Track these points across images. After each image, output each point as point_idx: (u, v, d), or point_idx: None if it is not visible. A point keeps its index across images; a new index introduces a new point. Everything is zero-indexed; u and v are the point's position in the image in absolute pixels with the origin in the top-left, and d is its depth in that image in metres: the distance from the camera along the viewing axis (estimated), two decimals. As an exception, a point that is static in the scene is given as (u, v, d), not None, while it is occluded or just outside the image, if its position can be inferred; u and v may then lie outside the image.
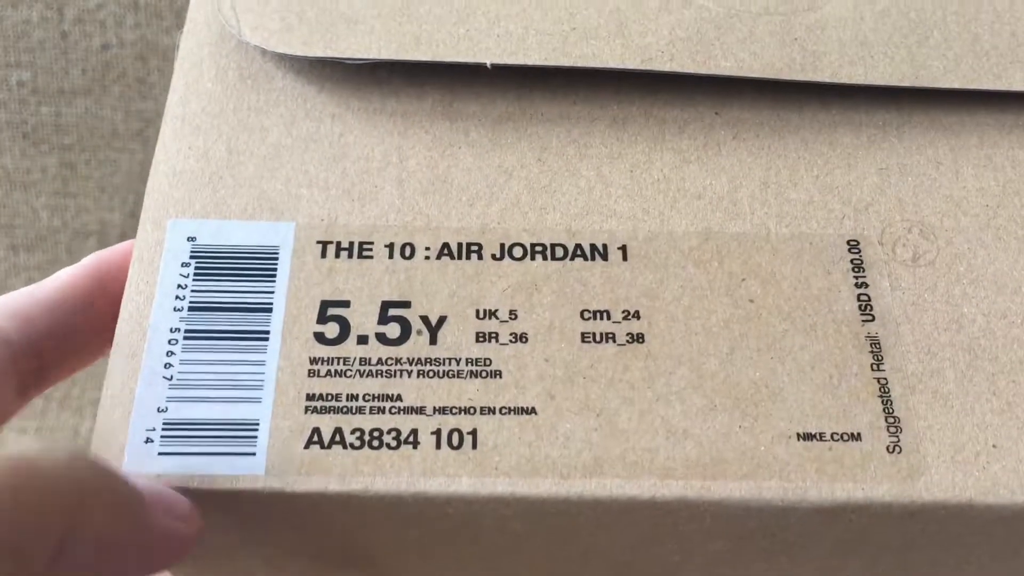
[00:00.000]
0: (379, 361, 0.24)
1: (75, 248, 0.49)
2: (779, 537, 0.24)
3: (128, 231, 0.48)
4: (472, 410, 0.24)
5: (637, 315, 0.25)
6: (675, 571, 0.27)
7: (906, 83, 0.27)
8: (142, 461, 0.23)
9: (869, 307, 0.25)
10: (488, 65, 0.27)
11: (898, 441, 0.24)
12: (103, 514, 0.19)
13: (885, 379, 0.24)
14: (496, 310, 0.25)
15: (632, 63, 0.27)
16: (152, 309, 0.24)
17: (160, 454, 0.23)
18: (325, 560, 0.27)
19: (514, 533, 0.25)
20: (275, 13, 0.28)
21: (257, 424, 0.23)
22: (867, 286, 0.25)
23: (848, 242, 0.26)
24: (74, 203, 0.47)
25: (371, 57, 0.27)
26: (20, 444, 0.19)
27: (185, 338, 0.24)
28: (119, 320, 0.24)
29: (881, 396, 0.24)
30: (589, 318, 0.25)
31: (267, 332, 0.24)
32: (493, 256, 0.26)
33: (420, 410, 0.24)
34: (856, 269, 0.26)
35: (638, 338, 0.25)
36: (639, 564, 0.26)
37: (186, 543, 0.22)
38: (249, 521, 0.24)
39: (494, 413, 0.24)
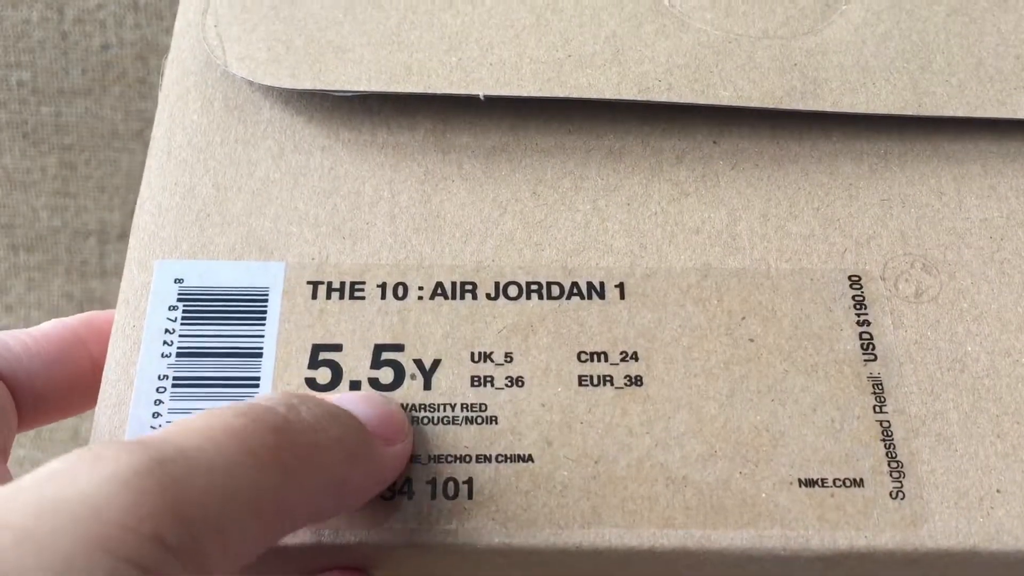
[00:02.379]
0: (372, 407, 0.24)
1: (75, 248, 0.49)
2: (780, 582, 0.24)
3: (128, 231, 0.48)
4: (468, 458, 0.23)
5: (635, 356, 0.24)
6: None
7: (909, 111, 0.27)
8: (131, 515, 0.22)
9: (871, 346, 0.25)
10: (481, 97, 0.26)
11: (901, 487, 0.23)
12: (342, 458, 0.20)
13: (888, 422, 0.24)
14: (491, 352, 0.24)
15: (629, 93, 0.27)
16: (139, 355, 0.24)
17: (149, 508, 0.22)
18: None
19: None
20: (261, 42, 0.27)
21: (248, 475, 0.23)
22: (869, 324, 0.25)
23: (850, 277, 0.26)
24: (74, 203, 0.47)
25: (360, 89, 0.26)
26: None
27: (173, 385, 0.24)
28: (106, 365, 0.24)
29: (884, 440, 0.24)
30: (587, 360, 0.24)
31: (258, 378, 0.24)
32: (488, 295, 0.25)
33: (415, 458, 0.23)
34: (858, 306, 0.25)
35: (636, 380, 0.24)
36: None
37: (402, 459, 0.23)
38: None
39: (490, 461, 0.23)
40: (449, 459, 0.23)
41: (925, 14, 0.29)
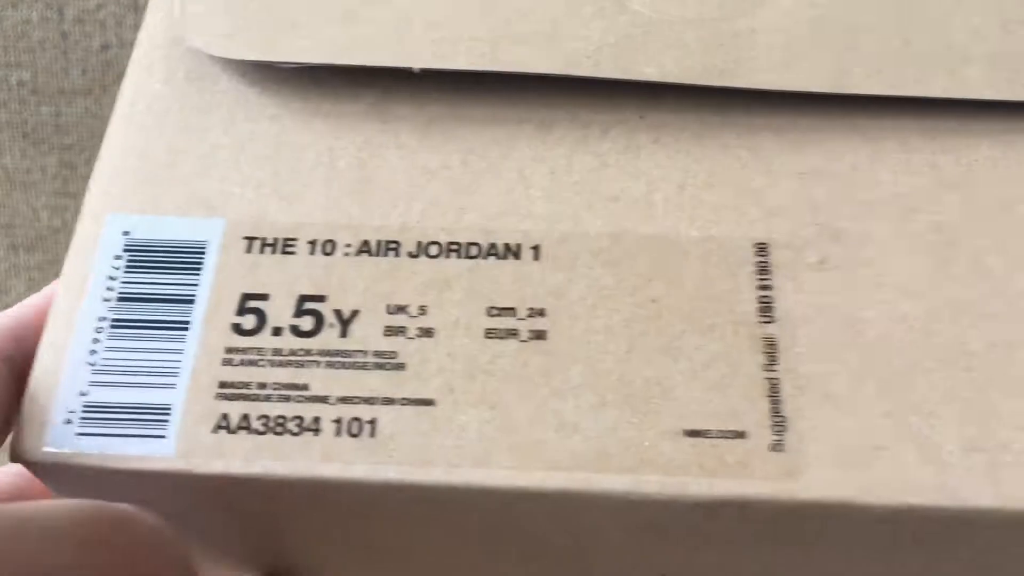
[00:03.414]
0: (290, 352, 0.25)
1: (74, 248, 0.50)
2: (671, 531, 0.25)
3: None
4: (374, 400, 0.25)
5: (542, 313, 0.26)
6: (581, 558, 0.28)
7: (826, 89, 0.28)
8: (62, 441, 0.24)
9: (770, 309, 0.26)
10: (416, 70, 0.28)
11: (781, 440, 0.24)
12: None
13: (777, 379, 0.25)
14: (407, 305, 0.26)
15: (556, 68, 0.28)
16: (83, 299, 0.26)
17: (78, 434, 0.24)
18: (250, 545, 0.28)
19: (419, 519, 0.26)
20: (223, 18, 0.29)
21: (170, 409, 0.25)
22: (770, 288, 0.26)
23: (756, 245, 0.27)
24: (74, 203, 0.49)
25: (305, 61, 0.28)
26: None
27: (111, 327, 0.26)
28: (51, 310, 0.26)
29: (770, 396, 0.25)
30: (495, 315, 0.26)
31: (188, 322, 0.26)
32: (410, 254, 0.27)
33: (324, 399, 0.25)
34: (761, 272, 0.26)
35: (540, 335, 0.26)
36: (547, 552, 0.27)
37: None
38: (165, 502, 0.26)
39: (395, 404, 0.25)
40: (356, 401, 0.25)
41: (859, -2, 0.30)
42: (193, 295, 0.26)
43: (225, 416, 0.25)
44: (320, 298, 0.26)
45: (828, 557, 0.26)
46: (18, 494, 0.28)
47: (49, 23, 0.45)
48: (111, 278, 0.26)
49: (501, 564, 0.29)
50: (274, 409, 0.25)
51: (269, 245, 0.27)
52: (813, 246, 0.26)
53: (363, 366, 0.25)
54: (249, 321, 0.26)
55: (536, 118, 0.29)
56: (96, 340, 0.25)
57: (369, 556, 0.29)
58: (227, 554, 0.29)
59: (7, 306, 0.52)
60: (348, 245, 0.27)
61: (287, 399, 0.25)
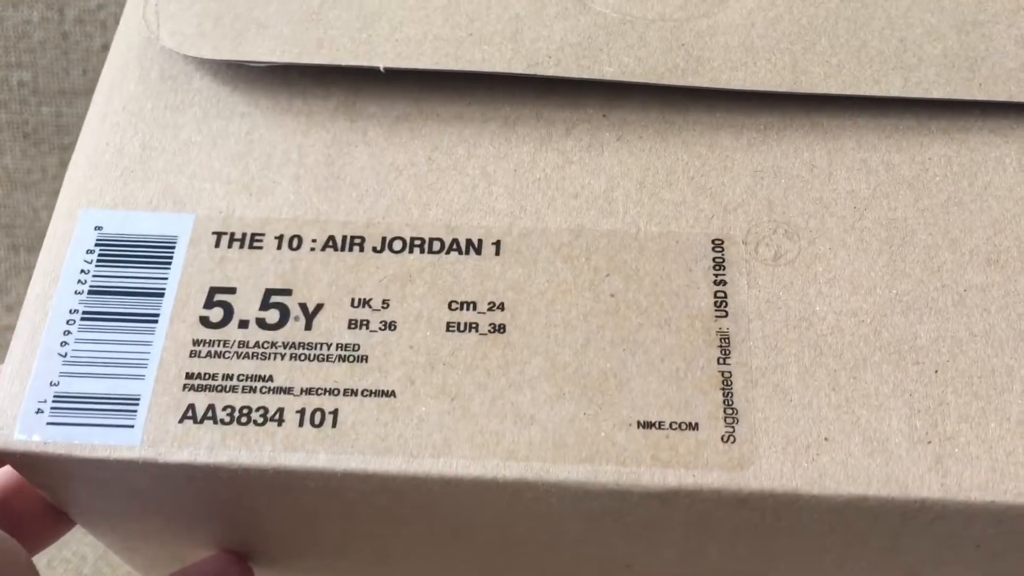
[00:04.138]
0: (256, 344, 0.26)
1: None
2: (628, 520, 0.26)
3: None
4: (336, 392, 0.25)
5: (502, 307, 0.26)
6: (546, 549, 0.28)
7: (784, 88, 0.28)
8: (32, 429, 0.25)
9: (724, 304, 0.26)
10: (381, 69, 0.29)
11: (733, 432, 0.25)
12: None
13: (729, 372, 0.25)
14: (370, 299, 0.27)
15: (519, 67, 0.29)
16: (56, 292, 0.27)
17: (48, 424, 0.25)
18: (217, 529, 0.29)
19: (383, 509, 0.26)
20: (193, 19, 0.30)
21: (138, 399, 0.25)
22: (725, 283, 0.27)
23: (713, 241, 0.27)
24: None
25: (272, 60, 0.29)
26: None
27: (82, 319, 0.26)
28: (25, 301, 0.27)
29: (723, 389, 0.25)
30: (456, 308, 0.26)
31: (157, 315, 0.26)
32: (374, 249, 0.27)
33: (288, 390, 0.26)
34: (717, 267, 0.27)
35: (500, 328, 0.26)
36: (512, 542, 0.28)
37: None
38: (134, 488, 0.26)
39: (356, 395, 0.25)
40: (319, 392, 0.25)
41: (817, -1, 0.30)
42: (162, 289, 0.27)
43: (191, 407, 0.25)
44: (286, 291, 0.27)
45: (789, 548, 0.27)
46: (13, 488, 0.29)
47: (50, 23, 0.45)
48: (83, 271, 0.27)
49: (468, 555, 0.29)
50: (239, 400, 0.25)
51: (237, 240, 0.27)
52: (768, 242, 0.27)
53: (327, 358, 0.26)
54: (216, 314, 0.26)
55: (501, 115, 0.29)
56: (67, 332, 0.26)
57: (336, 544, 0.30)
58: (194, 539, 0.30)
59: (7, 306, 0.53)
60: (314, 240, 0.27)
61: (252, 390, 0.26)
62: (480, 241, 0.27)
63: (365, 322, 0.26)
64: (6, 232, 0.51)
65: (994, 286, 0.26)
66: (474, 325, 0.26)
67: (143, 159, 0.29)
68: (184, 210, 0.28)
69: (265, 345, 0.26)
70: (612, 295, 0.27)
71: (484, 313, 0.26)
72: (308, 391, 0.25)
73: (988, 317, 0.26)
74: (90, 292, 0.27)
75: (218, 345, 0.26)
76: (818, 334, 0.26)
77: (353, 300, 0.27)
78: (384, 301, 0.27)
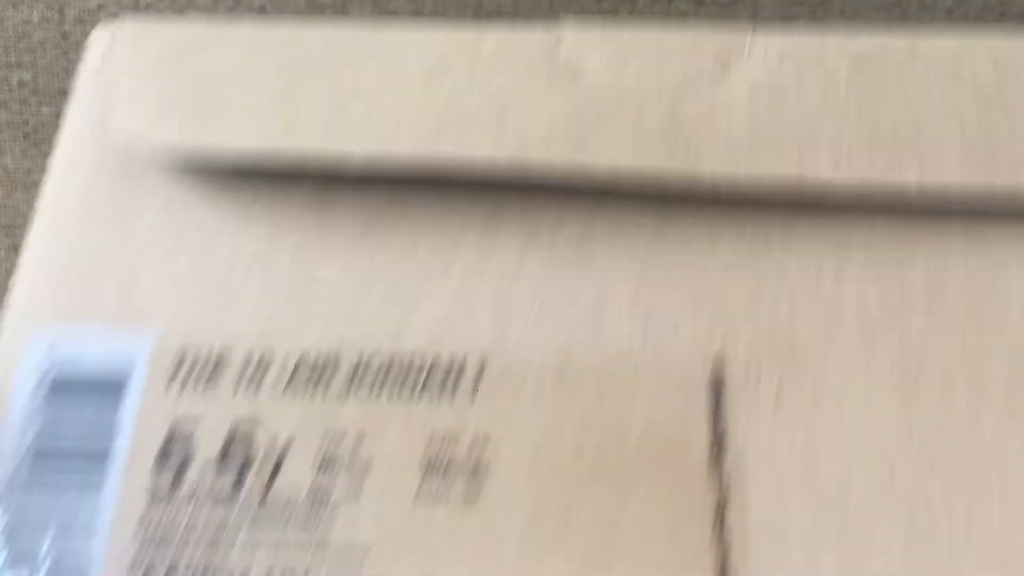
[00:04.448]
0: (218, 494, 0.24)
1: (74, 250, 0.50)
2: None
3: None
4: (306, 546, 0.24)
5: (486, 441, 0.25)
6: None
7: (791, 184, 0.26)
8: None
9: (722, 451, 0.24)
10: (349, 175, 0.26)
11: (729, 600, 0.23)
12: None
13: (728, 544, 0.24)
14: (343, 436, 0.25)
15: (504, 160, 0.26)
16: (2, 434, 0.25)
17: (0, 589, 0.24)
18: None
19: None
20: (147, 106, 0.27)
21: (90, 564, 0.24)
22: (724, 428, 0.24)
23: (712, 367, 0.25)
24: None
25: (236, 149, 0.26)
26: None
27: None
28: None
29: (719, 559, 0.23)
30: (436, 445, 0.25)
31: (106, 470, 0.25)
32: (347, 376, 0.25)
33: (255, 545, 0.24)
34: (715, 408, 0.25)
35: (483, 471, 0.24)
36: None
37: None
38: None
39: (327, 549, 0.24)
40: (287, 547, 0.24)
41: (828, 68, 0.27)
42: (111, 442, 0.25)
43: (152, 566, 0.24)
44: (248, 436, 0.25)
45: None
46: None
47: (50, 24, 0.43)
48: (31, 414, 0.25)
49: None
50: (201, 558, 0.24)
51: (197, 370, 0.25)
52: (769, 378, 0.25)
53: (293, 508, 0.24)
54: (173, 461, 0.25)
55: (481, 213, 0.27)
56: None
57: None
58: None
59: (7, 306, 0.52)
60: (282, 367, 0.25)
61: (215, 544, 0.24)
62: (461, 367, 0.25)
63: (336, 461, 0.24)
64: (6, 232, 0.50)
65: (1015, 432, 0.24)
66: (454, 466, 0.24)
67: (94, 269, 0.27)
68: (143, 324, 0.26)
69: (226, 495, 0.24)
70: (602, 439, 0.24)
71: (465, 451, 0.24)
72: (275, 546, 0.24)
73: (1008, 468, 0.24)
74: (36, 454, 0.25)
75: (176, 497, 0.24)
76: (823, 487, 0.24)
77: (323, 437, 0.25)
78: (358, 437, 0.25)
